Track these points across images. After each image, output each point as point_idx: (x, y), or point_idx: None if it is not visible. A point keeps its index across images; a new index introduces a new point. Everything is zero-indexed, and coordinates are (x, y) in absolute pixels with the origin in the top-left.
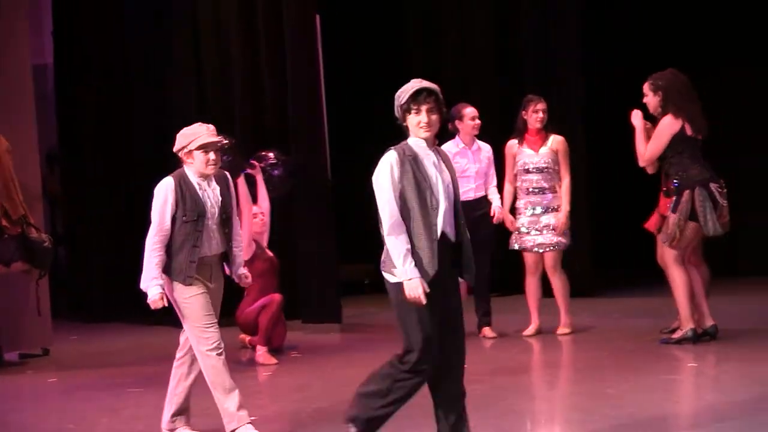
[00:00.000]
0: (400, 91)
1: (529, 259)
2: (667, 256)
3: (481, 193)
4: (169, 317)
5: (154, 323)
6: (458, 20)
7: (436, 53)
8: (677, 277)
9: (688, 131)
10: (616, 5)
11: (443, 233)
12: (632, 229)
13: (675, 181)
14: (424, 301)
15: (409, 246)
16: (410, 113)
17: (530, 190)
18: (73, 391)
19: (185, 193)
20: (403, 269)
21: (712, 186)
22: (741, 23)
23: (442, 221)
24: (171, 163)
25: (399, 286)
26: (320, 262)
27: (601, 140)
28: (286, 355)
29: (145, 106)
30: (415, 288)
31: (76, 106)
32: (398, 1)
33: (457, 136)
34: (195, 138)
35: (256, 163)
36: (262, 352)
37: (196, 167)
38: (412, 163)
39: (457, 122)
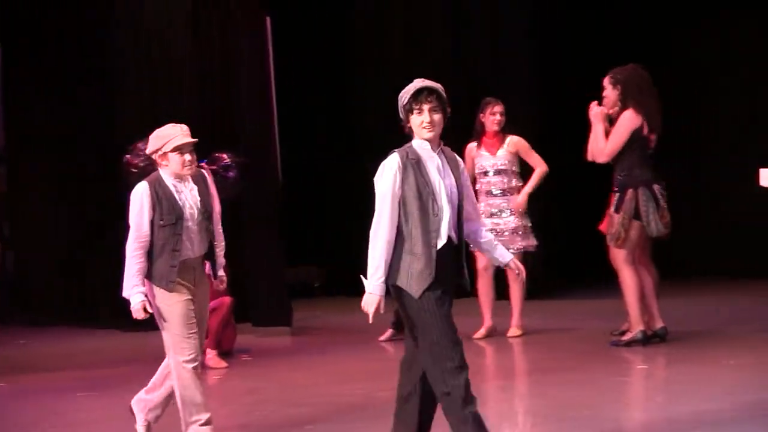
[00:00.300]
0: (402, 91)
1: (484, 260)
2: (617, 256)
3: None
4: (117, 320)
5: (102, 326)
6: (408, 21)
7: (387, 55)
8: (627, 278)
9: (644, 129)
10: (567, 3)
11: (449, 237)
12: (586, 230)
13: (619, 179)
14: (371, 320)
15: (387, 259)
16: (413, 113)
17: (489, 192)
18: (20, 395)
19: (161, 197)
20: (370, 281)
21: (655, 187)
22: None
23: (446, 227)
24: (117, 164)
25: (404, 292)
26: (270, 265)
27: (556, 141)
28: (237, 358)
29: (92, 106)
30: (370, 304)
31: (22, 107)
32: (349, 2)
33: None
34: (169, 139)
35: (206, 165)
36: (212, 356)
37: (171, 169)
38: (414, 168)
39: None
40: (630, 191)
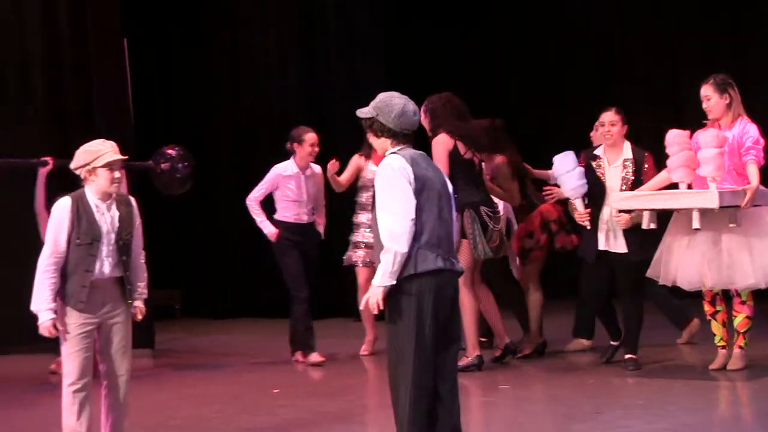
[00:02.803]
0: None
1: (363, 274)
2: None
3: (313, 218)
4: None
5: None
6: (262, 45)
7: (244, 75)
8: (465, 302)
9: (462, 151)
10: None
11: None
12: None
13: None
14: None
15: None
16: None
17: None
18: None
19: (81, 215)
20: None
21: (483, 209)
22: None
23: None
24: None
25: None
26: None
27: None
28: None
29: None
30: None
31: None
32: (202, 23)
33: (292, 158)
34: (100, 155)
35: (152, 164)
36: None
37: (99, 185)
38: None
39: (295, 145)
40: (455, 214)
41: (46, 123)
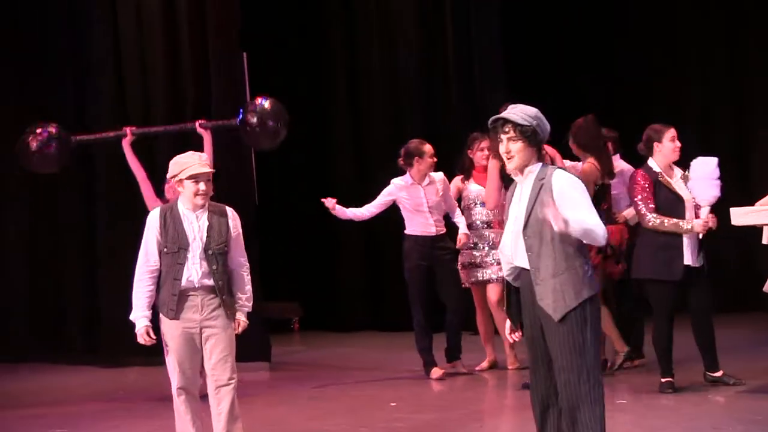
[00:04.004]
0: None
1: (479, 293)
2: None
3: (443, 230)
4: (89, 356)
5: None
6: (382, 56)
7: (361, 90)
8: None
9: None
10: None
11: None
12: None
13: None
14: None
15: None
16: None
17: (480, 224)
18: None
19: (168, 225)
20: None
21: None
22: None
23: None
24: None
25: None
26: None
27: None
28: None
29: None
30: None
31: None
32: (323, 36)
33: (408, 172)
34: (186, 167)
35: (242, 117)
36: None
37: (186, 196)
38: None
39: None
40: None
41: (167, 136)
